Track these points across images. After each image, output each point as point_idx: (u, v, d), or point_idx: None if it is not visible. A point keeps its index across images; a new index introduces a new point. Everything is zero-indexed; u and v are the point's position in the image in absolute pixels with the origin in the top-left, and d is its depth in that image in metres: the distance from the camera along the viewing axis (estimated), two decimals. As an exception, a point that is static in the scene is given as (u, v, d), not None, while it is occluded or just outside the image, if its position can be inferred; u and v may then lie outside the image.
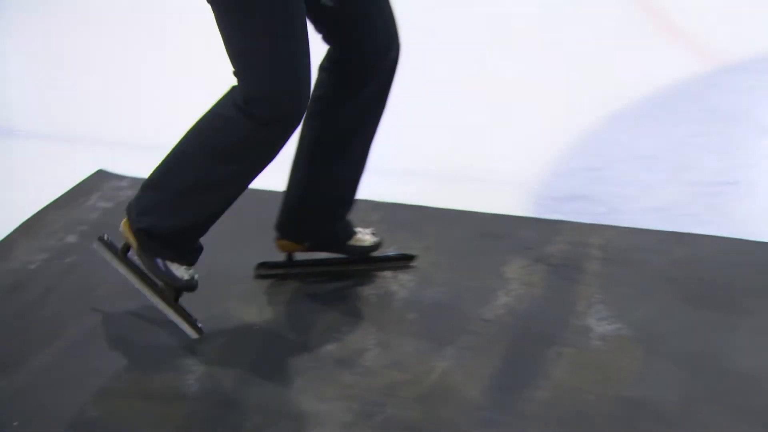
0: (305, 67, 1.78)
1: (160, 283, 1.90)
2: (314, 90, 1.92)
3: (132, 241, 1.90)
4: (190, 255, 1.93)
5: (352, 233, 2.12)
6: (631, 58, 3.12)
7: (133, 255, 1.93)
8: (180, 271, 1.89)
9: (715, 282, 2.06)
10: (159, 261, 1.88)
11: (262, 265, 2.15)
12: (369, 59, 1.96)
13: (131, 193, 2.41)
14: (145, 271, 1.91)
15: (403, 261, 2.21)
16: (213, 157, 1.87)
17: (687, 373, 1.78)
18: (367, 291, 2.11)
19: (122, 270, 1.94)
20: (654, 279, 2.05)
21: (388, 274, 2.16)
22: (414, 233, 2.15)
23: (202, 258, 2.14)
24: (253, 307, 2.03)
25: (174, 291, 1.88)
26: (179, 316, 1.86)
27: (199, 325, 1.84)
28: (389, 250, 2.18)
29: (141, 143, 2.89)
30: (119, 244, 1.99)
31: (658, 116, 2.79)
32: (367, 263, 2.18)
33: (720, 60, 3.16)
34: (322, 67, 1.97)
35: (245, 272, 2.14)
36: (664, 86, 2.95)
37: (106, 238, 1.99)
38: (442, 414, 1.68)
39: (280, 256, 2.14)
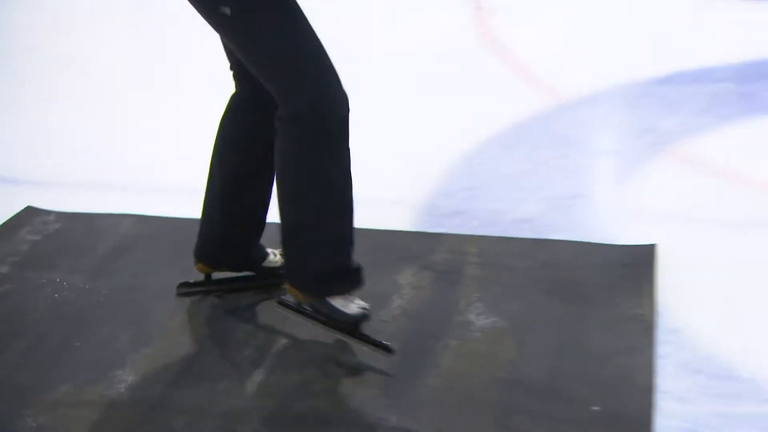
0: (329, 61, 1.71)
1: (342, 319, 1.80)
2: (229, 131, 1.93)
3: (300, 296, 1.85)
4: (355, 279, 1.82)
5: (265, 255, 2.08)
6: (493, 94, 3.16)
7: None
8: (350, 308, 1.78)
9: (570, 279, 2.09)
10: (331, 302, 1.78)
11: (183, 285, 2.10)
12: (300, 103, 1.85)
13: (59, 226, 2.44)
14: (321, 316, 1.82)
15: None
16: (322, 182, 1.76)
17: (552, 355, 1.81)
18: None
19: (308, 322, 1.87)
20: (521, 279, 2.08)
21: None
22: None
23: (129, 279, 2.11)
24: (176, 322, 2.00)
25: (354, 324, 1.79)
26: (369, 344, 1.78)
27: (387, 343, 1.77)
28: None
29: (65, 181, 2.80)
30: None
31: (517, 144, 2.83)
32: (277, 279, 2.10)
33: (563, 95, 3.24)
34: (235, 100, 1.94)
35: (168, 291, 2.08)
36: (521, 118, 2.99)
37: (283, 300, 1.93)
38: (350, 403, 1.69)
39: (199, 276, 2.09)
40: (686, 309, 1.95)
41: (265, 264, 2.08)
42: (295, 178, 1.77)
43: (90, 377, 1.74)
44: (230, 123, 1.96)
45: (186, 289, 2.08)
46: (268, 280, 2.11)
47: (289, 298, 1.88)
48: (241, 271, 2.08)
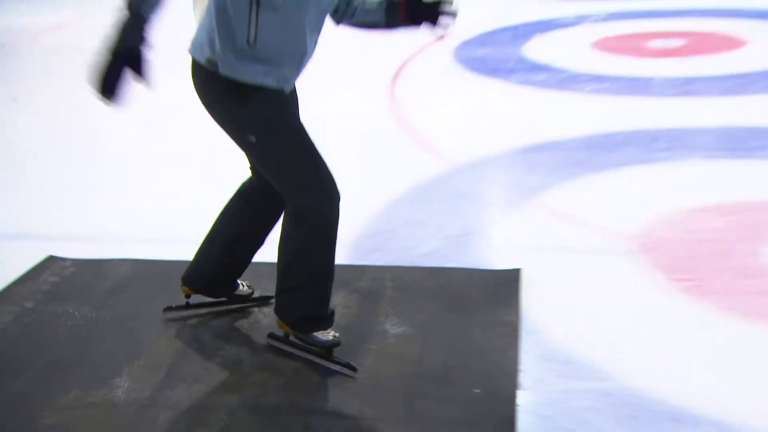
0: (327, 166, 1.71)
1: (317, 348, 1.81)
2: (241, 193, 1.92)
3: (290, 331, 1.84)
4: (329, 319, 1.83)
5: (237, 286, 2.08)
6: (403, 161, 3.18)
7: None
8: (326, 336, 1.81)
9: (459, 296, 2.12)
10: (315, 336, 1.80)
11: (168, 308, 2.08)
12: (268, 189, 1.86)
13: (73, 270, 2.40)
14: (305, 345, 1.83)
15: (266, 301, 2.12)
16: (312, 255, 1.76)
17: (446, 353, 1.86)
18: (241, 321, 2.09)
19: (294, 351, 1.87)
20: (424, 297, 2.10)
21: (255, 309, 2.12)
22: (270, 281, 2.10)
23: (126, 309, 2.11)
24: (162, 340, 1.98)
25: (327, 350, 1.80)
26: (336, 364, 1.79)
27: (350, 363, 1.79)
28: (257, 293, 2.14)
29: (78, 235, 2.73)
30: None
31: (421, 198, 2.83)
32: (241, 302, 2.12)
33: (455, 161, 3.24)
34: (249, 184, 1.93)
35: (156, 317, 2.08)
36: (424, 178, 3.01)
37: (274, 335, 1.92)
38: (296, 397, 1.71)
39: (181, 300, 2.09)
40: (543, 316, 2.01)
41: (237, 293, 2.08)
42: (293, 256, 1.77)
43: (94, 384, 1.75)
44: (242, 201, 1.94)
45: (170, 312, 2.07)
46: (235, 305, 2.10)
47: (278, 331, 1.87)
48: (217, 297, 2.07)
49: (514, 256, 2.35)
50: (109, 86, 1.41)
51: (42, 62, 5.63)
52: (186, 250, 2.45)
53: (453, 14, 1.62)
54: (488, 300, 2.10)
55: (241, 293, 2.10)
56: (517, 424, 1.54)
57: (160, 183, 3.24)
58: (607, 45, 4.99)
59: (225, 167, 3.06)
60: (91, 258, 2.46)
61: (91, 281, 2.30)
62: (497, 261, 2.34)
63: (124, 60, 1.40)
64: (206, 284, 2.01)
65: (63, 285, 2.27)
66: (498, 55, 4.92)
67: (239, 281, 2.09)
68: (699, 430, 1.54)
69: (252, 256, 2.03)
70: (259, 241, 1.99)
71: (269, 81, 1.61)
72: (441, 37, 1.59)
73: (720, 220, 2.51)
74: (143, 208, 2.95)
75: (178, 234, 2.65)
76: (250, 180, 1.93)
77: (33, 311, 2.13)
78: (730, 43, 4.80)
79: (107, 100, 1.44)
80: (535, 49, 4.99)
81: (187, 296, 2.06)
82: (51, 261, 2.43)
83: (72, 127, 4.10)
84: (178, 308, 2.08)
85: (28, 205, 3.04)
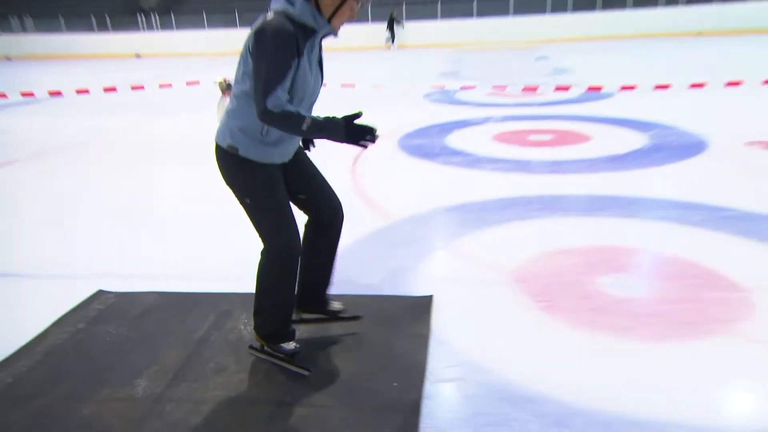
0: (295, 226, 1.67)
1: (282, 355, 1.79)
2: (304, 236, 1.83)
3: (264, 343, 1.81)
4: (291, 334, 1.82)
5: (329, 303, 2.02)
6: (356, 218, 2.75)
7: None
8: (289, 346, 1.79)
9: (388, 314, 2.10)
10: (280, 346, 1.78)
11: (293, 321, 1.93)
12: (327, 219, 1.83)
13: (114, 300, 2.35)
14: (273, 352, 1.81)
15: (352, 318, 2.04)
16: (275, 286, 1.73)
17: (377, 355, 1.85)
18: (230, 336, 1.99)
19: (267, 358, 1.83)
20: (365, 316, 2.06)
21: (241, 326, 2.03)
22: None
23: (150, 329, 2.07)
24: (173, 351, 1.92)
25: (290, 356, 1.78)
26: (297, 367, 1.76)
27: (305, 365, 1.76)
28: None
29: (119, 273, 2.66)
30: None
31: (367, 245, 2.80)
32: (333, 317, 2.02)
33: (394, 218, 3.17)
34: (306, 225, 1.86)
35: (173, 335, 2.03)
36: (370, 229, 2.98)
37: (252, 346, 1.87)
38: (266, 392, 1.69)
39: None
40: (447, 329, 2.00)
41: (329, 308, 2.02)
42: (265, 287, 1.73)
43: (121, 384, 1.76)
44: (306, 238, 1.85)
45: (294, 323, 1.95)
46: (331, 318, 2.02)
47: (255, 343, 1.85)
48: (312, 314, 2.01)
49: (429, 286, 2.34)
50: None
51: (109, 149, 5.60)
52: (195, 285, 2.46)
53: (375, 138, 1.50)
54: (407, 317, 2.08)
55: (333, 308, 2.01)
56: (422, 408, 1.57)
57: (177, 234, 3.19)
58: (502, 138, 5.06)
59: (235, 220, 3.10)
60: (127, 291, 2.42)
61: (126, 308, 2.28)
62: (417, 290, 2.32)
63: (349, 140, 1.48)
64: (308, 303, 1.97)
65: (106, 311, 2.26)
66: (428, 144, 4.96)
67: (331, 301, 2.01)
68: (543, 406, 1.59)
69: (327, 278, 1.94)
70: (328, 263, 1.92)
71: (275, 159, 1.62)
72: (365, 149, 1.61)
73: (571, 260, 2.55)
74: (165, 253, 2.90)
75: (191, 272, 2.65)
76: (308, 221, 1.85)
77: (83, 331, 2.11)
78: (581, 138, 4.93)
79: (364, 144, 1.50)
80: (454, 140, 5.05)
81: (298, 317, 1.98)
82: (99, 294, 2.41)
83: (117, 191, 4.06)
84: (296, 321, 1.95)
85: (85, 252, 2.98)
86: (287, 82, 1.44)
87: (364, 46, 16.97)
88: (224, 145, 1.59)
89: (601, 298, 2.20)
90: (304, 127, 1.44)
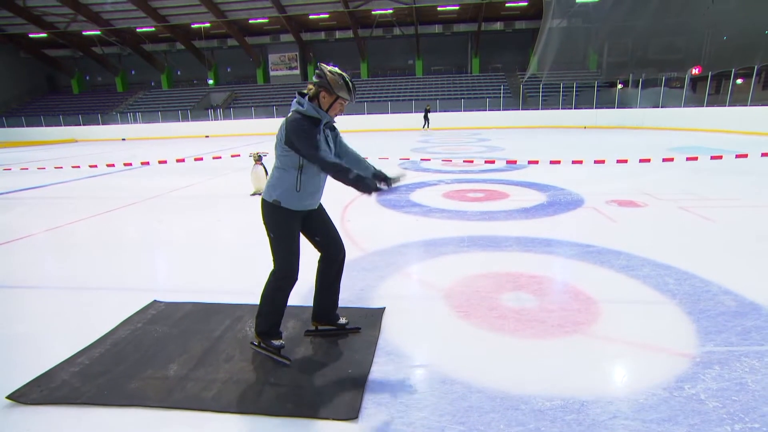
0: (298, 259, 1.63)
1: (271, 348, 1.73)
2: (318, 268, 1.79)
3: (259, 339, 1.75)
4: (279, 334, 1.77)
5: (338, 318, 1.92)
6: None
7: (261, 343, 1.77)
8: (277, 342, 1.74)
9: (353, 321, 1.99)
10: (272, 342, 1.73)
11: (308, 332, 1.89)
12: (334, 255, 1.76)
13: (163, 308, 2.27)
14: (266, 347, 1.75)
15: (354, 330, 1.92)
16: (273, 298, 1.67)
17: (336, 357, 1.76)
18: (240, 335, 1.92)
19: (260, 350, 1.76)
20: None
21: (247, 328, 1.97)
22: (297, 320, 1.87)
23: (184, 328, 1.99)
24: (198, 345, 1.86)
25: (277, 351, 1.73)
26: (281, 357, 1.70)
27: (287, 356, 1.70)
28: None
29: (167, 288, 2.60)
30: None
31: (345, 270, 2.45)
32: (341, 329, 1.91)
33: (365, 250, 2.97)
34: (318, 261, 1.80)
35: (199, 333, 1.96)
36: (348, 260, 2.82)
37: (252, 342, 1.80)
38: (260, 375, 1.65)
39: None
40: (393, 332, 1.94)
41: (339, 322, 1.92)
42: (265, 294, 1.69)
43: (159, 366, 1.74)
44: (318, 267, 1.81)
45: (310, 334, 1.91)
46: (340, 330, 1.92)
47: (254, 340, 1.81)
48: (328, 325, 1.90)
49: (384, 300, 2.28)
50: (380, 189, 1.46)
51: (171, 204, 5.58)
52: (219, 297, 2.39)
53: (392, 187, 1.51)
54: (364, 325, 2.01)
55: (342, 323, 1.92)
56: (366, 389, 1.55)
57: (211, 261, 3.09)
58: (449, 195, 4.99)
59: (252, 254, 3.05)
60: (173, 301, 2.38)
61: (170, 313, 2.23)
62: (375, 303, 2.25)
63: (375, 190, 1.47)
64: (321, 316, 1.89)
65: (157, 315, 2.22)
66: (396, 198, 4.88)
67: (340, 316, 1.92)
68: (453, 387, 1.54)
69: (334, 300, 1.85)
70: (334, 289, 1.83)
71: (306, 206, 1.63)
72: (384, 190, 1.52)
73: (486, 282, 2.50)
74: (202, 274, 2.84)
75: (219, 288, 2.58)
76: (321, 257, 1.79)
77: (140, 329, 2.08)
78: (503, 195, 4.92)
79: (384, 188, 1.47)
80: (415, 196, 4.97)
81: (315, 327, 1.91)
82: (154, 303, 2.36)
83: (177, 229, 4.00)
84: (311, 332, 1.90)
85: (151, 271, 2.93)
86: (322, 144, 1.50)
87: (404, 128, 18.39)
88: (270, 200, 1.61)
89: (503, 308, 2.17)
90: (351, 176, 1.46)
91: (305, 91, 1.58)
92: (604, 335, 1.88)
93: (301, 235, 1.70)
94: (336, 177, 1.51)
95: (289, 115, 1.54)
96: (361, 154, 1.77)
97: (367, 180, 1.47)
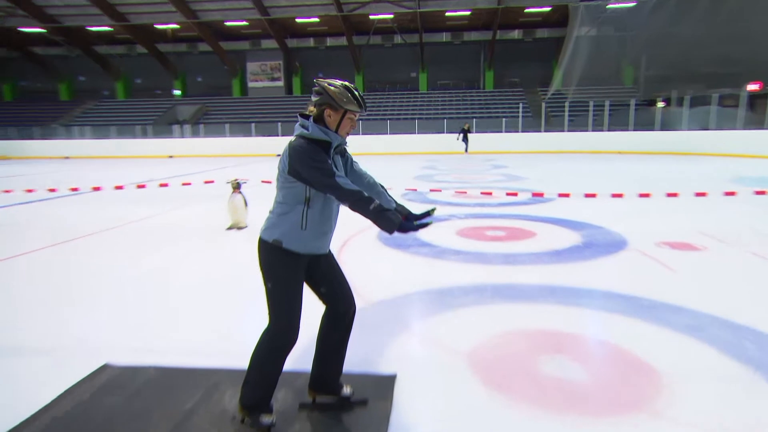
0: (298, 315, 1.63)
1: (259, 427, 1.70)
2: (321, 326, 1.79)
3: (245, 414, 1.72)
4: (270, 409, 1.73)
5: (341, 387, 1.90)
6: None
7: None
8: (267, 419, 1.71)
9: (359, 391, 1.96)
10: (260, 418, 1.69)
11: (303, 404, 1.87)
12: (342, 311, 1.76)
13: (119, 373, 2.23)
14: (252, 424, 1.71)
15: (360, 402, 1.90)
16: (266, 362, 1.66)
17: (352, 420, 1.80)
18: (215, 408, 1.89)
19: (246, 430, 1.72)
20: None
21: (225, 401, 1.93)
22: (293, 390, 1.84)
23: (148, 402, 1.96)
24: (163, 422, 1.83)
25: (267, 429, 1.70)
26: None
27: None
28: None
29: (133, 346, 2.57)
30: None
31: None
32: (345, 402, 1.89)
33: (370, 300, 3.04)
34: (323, 316, 1.80)
35: (158, 407, 1.92)
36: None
37: (234, 417, 1.77)
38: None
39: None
40: (407, 406, 1.95)
41: (342, 393, 1.91)
42: (256, 357, 1.67)
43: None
44: (321, 326, 1.82)
45: (306, 407, 1.88)
46: (343, 402, 1.90)
47: (238, 414, 1.77)
48: (329, 395, 1.90)
49: (394, 364, 2.28)
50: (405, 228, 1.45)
51: (130, 239, 5.58)
52: (190, 360, 2.35)
53: (425, 225, 1.48)
54: (374, 395, 1.99)
55: (345, 394, 1.88)
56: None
57: (179, 311, 3.09)
58: (464, 233, 5.07)
59: (231, 301, 3.02)
60: (129, 365, 2.32)
61: (126, 381, 2.18)
62: (384, 367, 2.26)
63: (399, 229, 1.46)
64: (321, 386, 1.87)
65: (109, 383, 2.16)
66: (402, 236, 4.87)
67: (344, 385, 1.89)
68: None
69: (339, 365, 1.84)
70: (340, 351, 1.83)
71: (313, 249, 1.61)
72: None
73: (517, 343, 2.49)
74: (168, 328, 2.82)
75: (189, 347, 2.56)
76: (325, 311, 1.79)
77: (87, 402, 2.00)
78: (528, 234, 5.00)
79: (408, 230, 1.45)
80: (424, 234, 5.00)
81: (312, 398, 1.89)
82: (105, 367, 2.32)
83: (133, 270, 3.98)
84: (304, 405, 1.88)
85: (101, 325, 2.86)
86: (333, 168, 1.49)
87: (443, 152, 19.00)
88: (270, 240, 1.59)
89: (541, 378, 2.15)
90: (372, 207, 1.44)
91: (308, 113, 1.61)
92: (672, 417, 1.86)
93: (305, 285, 1.70)
94: (354, 208, 1.49)
95: (292, 140, 1.57)
96: (378, 179, 1.79)
97: (390, 214, 1.45)
